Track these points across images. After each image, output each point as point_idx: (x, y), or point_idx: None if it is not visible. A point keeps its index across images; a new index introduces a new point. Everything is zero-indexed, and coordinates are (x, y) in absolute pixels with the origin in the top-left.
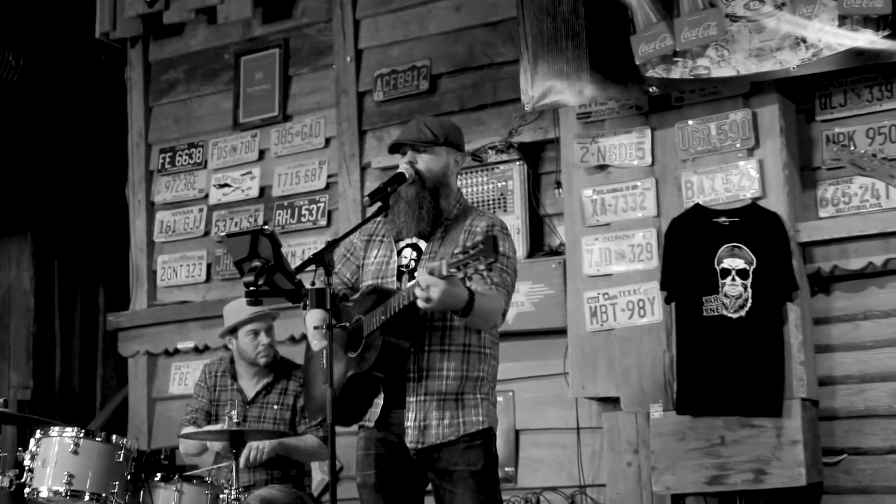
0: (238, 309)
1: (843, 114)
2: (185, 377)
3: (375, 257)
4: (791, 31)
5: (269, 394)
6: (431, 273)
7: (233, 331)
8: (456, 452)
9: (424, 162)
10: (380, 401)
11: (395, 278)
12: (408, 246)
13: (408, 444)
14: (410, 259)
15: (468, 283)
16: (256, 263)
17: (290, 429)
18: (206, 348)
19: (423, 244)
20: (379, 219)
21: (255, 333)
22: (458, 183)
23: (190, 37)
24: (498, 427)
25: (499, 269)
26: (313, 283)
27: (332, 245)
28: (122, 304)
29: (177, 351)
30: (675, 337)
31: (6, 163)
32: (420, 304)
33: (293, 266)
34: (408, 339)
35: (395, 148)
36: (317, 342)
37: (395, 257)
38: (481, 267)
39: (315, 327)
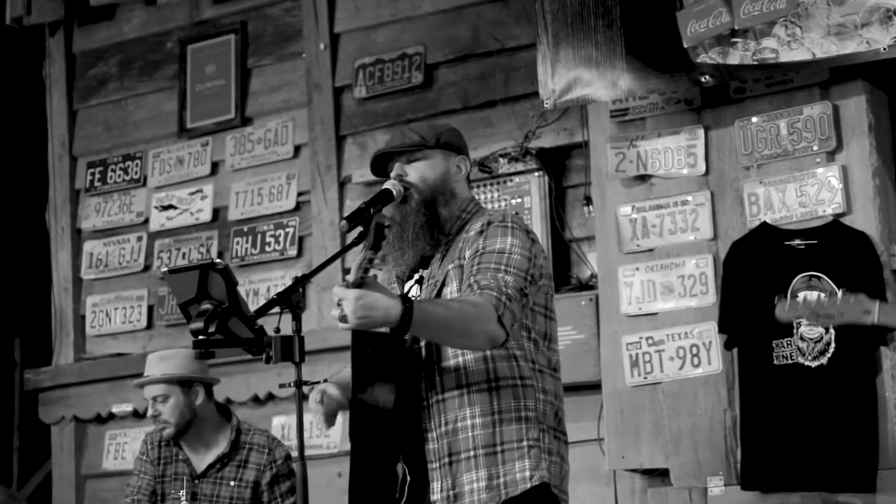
0: (147, 366)
1: None
2: (121, 449)
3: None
4: (881, 1)
5: (225, 467)
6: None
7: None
8: None
9: (417, 171)
10: (404, 477)
11: None
12: (415, 283)
13: None
14: (416, 297)
15: (446, 287)
16: (207, 306)
17: None
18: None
19: (425, 272)
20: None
21: (147, 403)
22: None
23: (123, 21)
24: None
25: (489, 269)
26: (278, 330)
27: (301, 281)
28: (42, 358)
29: (111, 416)
30: (739, 392)
31: None
32: (340, 326)
33: (253, 308)
34: (386, 386)
35: (380, 167)
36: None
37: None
38: (365, 260)
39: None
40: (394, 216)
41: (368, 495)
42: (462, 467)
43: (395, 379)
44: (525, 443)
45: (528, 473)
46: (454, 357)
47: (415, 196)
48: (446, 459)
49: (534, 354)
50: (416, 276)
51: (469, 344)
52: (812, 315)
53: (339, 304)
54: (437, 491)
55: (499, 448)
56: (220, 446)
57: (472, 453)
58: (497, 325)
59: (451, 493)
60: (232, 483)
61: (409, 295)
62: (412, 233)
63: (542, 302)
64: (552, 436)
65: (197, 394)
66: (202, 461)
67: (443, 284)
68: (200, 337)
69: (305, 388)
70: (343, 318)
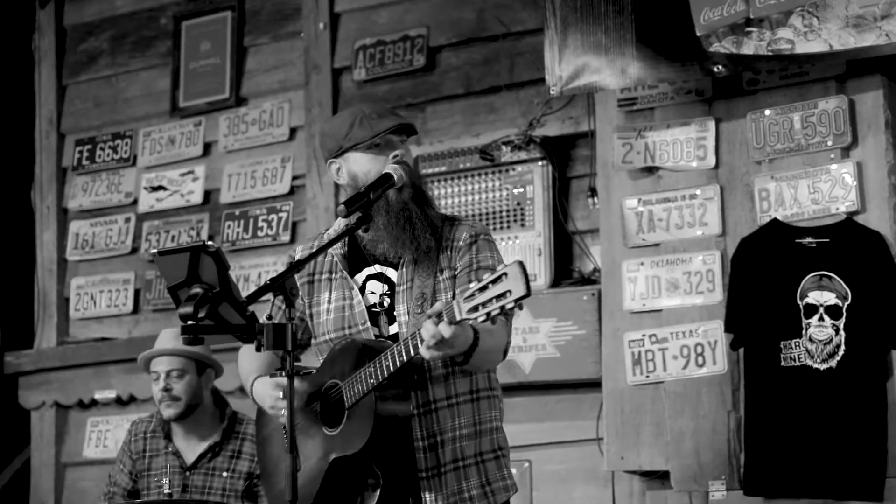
0: (161, 339)
1: None
2: (103, 436)
3: (330, 302)
4: None
5: (217, 457)
6: (440, 317)
7: (147, 368)
8: None
9: (409, 156)
10: (375, 481)
11: (368, 324)
12: (370, 278)
13: None
14: (382, 294)
15: (440, 294)
16: (197, 290)
17: (243, 502)
18: (133, 399)
19: (391, 272)
20: (314, 249)
21: (157, 377)
22: (467, 188)
23: None
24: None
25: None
26: (270, 317)
27: (295, 267)
28: (23, 341)
29: (94, 402)
30: (744, 393)
31: None
32: (427, 354)
33: (245, 294)
34: (406, 399)
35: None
36: (271, 406)
37: (359, 297)
38: (510, 307)
39: (258, 377)
40: (397, 200)
41: (338, 491)
42: (452, 477)
43: (407, 391)
44: (499, 451)
45: (508, 482)
46: (444, 367)
47: (409, 183)
48: (438, 470)
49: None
50: (372, 271)
51: (482, 369)
52: None
53: (435, 342)
54: (430, 501)
55: (479, 458)
56: (214, 436)
57: (460, 463)
58: (503, 355)
59: (447, 501)
60: (224, 474)
61: (367, 290)
62: (415, 229)
63: None
64: (507, 441)
65: (209, 379)
66: (193, 452)
67: (434, 293)
68: (189, 322)
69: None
70: (438, 351)
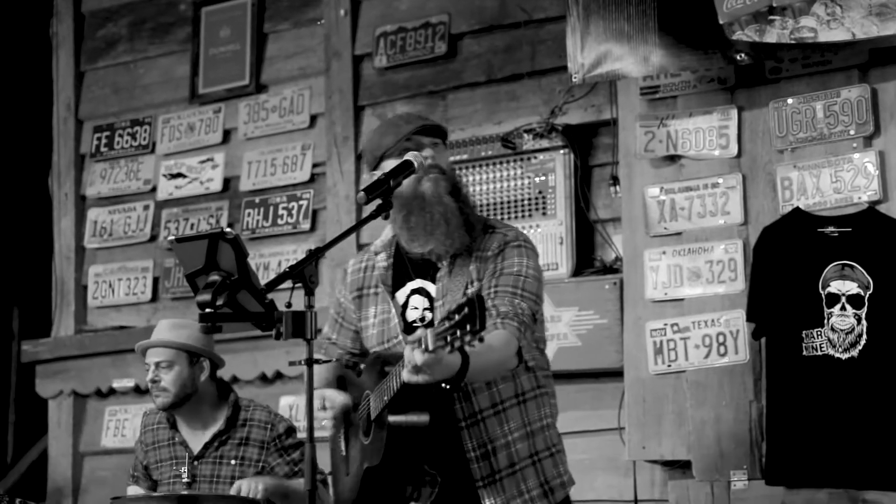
0: (157, 329)
1: None
2: (121, 425)
3: (375, 316)
4: None
5: (224, 445)
6: (418, 345)
7: (145, 358)
8: None
9: (442, 158)
10: (430, 490)
11: (399, 337)
12: (414, 293)
13: None
14: (424, 309)
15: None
16: (215, 277)
17: None
18: None
19: (430, 287)
20: (364, 263)
21: (147, 367)
22: (489, 176)
23: None
24: None
25: (507, 294)
26: (289, 305)
27: (315, 254)
28: (41, 329)
29: (112, 391)
30: (766, 383)
31: None
32: (407, 377)
33: (264, 281)
34: (424, 407)
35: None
36: (328, 419)
37: (394, 311)
38: (468, 339)
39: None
40: (430, 195)
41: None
42: (509, 482)
43: (427, 402)
44: (553, 449)
45: (565, 478)
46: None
47: (445, 181)
48: (495, 477)
49: (541, 361)
50: (414, 286)
51: (494, 378)
52: None
53: (413, 370)
54: None
55: (535, 458)
56: (218, 424)
57: (517, 467)
58: (516, 357)
59: None
60: (233, 462)
61: (410, 305)
62: (455, 221)
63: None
64: (560, 436)
65: (203, 369)
66: (199, 441)
67: None
68: (207, 310)
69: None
70: (420, 378)
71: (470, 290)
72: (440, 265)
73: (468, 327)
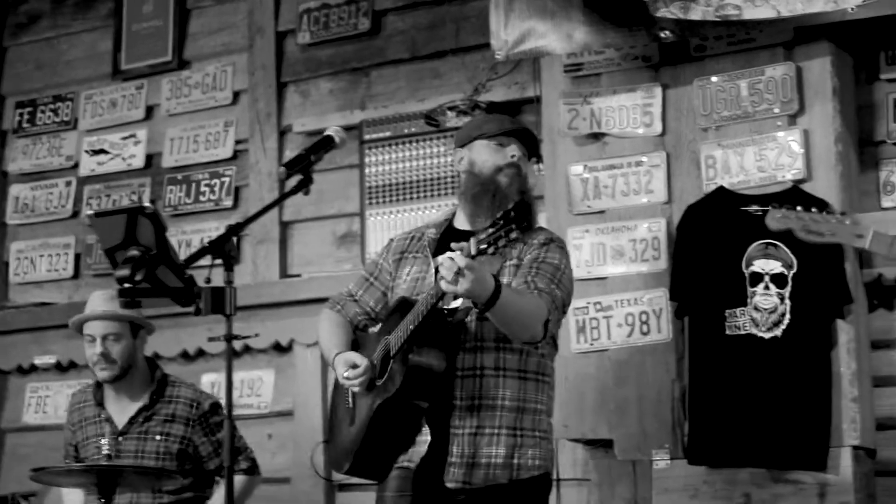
0: (93, 301)
1: None
2: (43, 402)
3: (408, 274)
4: None
5: (149, 421)
6: (461, 251)
7: (80, 331)
8: (502, 501)
9: (525, 165)
10: (425, 437)
11: None
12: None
13: (448, 485)
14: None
15: (503, 278)
16: (134, 252)
17: (179, 467)
18: (73, 365)
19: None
20: (413, 234)
21: (91, 339)
22: (412, 153)
23: None
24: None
25: (546, 276)
26: (209, 281)
27: (235, 229)
28: None
29: (34, 368)
30: (689, 362)
31: None
32: (445, 286)
33: (184, 257)
34: (442, 351)
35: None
36: (341, 378)
37: (432, 272)
38: (513, 235)
39: (337, 354)
40: (504, 188)
41: (380, 452)
42: (485, 441)
43: (446, 348)
44: (538, 433)
45: (538, 462)
46: (496, 341)
47: (518, 181)
48: (472, 429)
49: (551, 354)
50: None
51: (518, 335)
52: (803, 229)
53: (453, 271)
54: (455, 455)
55: (518, 433)
56: (143, 399)
57: (496, 431)
58: (542, 328)
59: (470, 460)
60: (158, 437)
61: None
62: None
63: None
64: (552, 428)
65: (144, 341)
66: (124, 415)
67: (497, 276)
68: (126, 285)
69: (236, 343)
70: (456, 282)
71: (508, 264)
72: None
73: (514, 225)
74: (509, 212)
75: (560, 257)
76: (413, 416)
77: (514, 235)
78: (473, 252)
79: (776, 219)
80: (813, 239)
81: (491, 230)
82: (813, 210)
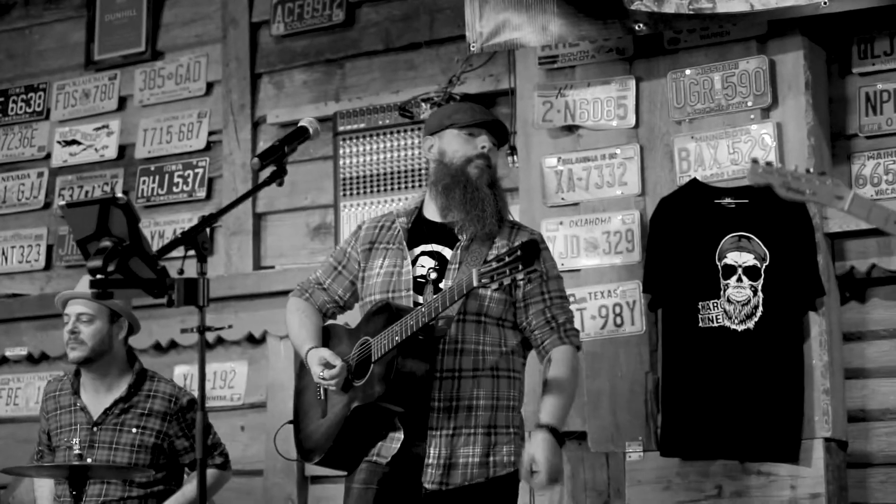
0: (81, 283)
1: (889, 65)
2: (14, 394)
3: (381, 267)
4: None
5: (126, 413)
6: (460, 283)
7: (64, 310)
8: (480, 499)
9: (494, 156)
10: (398, 435)
11: (410, 291)
12: (424, 254)
13: (426, 485)
14: (430, 269)
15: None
16: (106, 243)
17: (153, 460)
18: (44, 357)
19: (447, 252)
20: (381, 223)
21: (67, 319)
22: (386, 145)
23: None
24: None
25: (558, 301)
26: (181, 272)
27: (208, 220)
28: None
29: (4, 360)
30: (662, 354)
31: None
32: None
33: (157, 248)
34: (427, 362)
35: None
36: (316, 376)
37: (409, 266)
38: (520, 277)
39: (310, 349)
40: (475, 178)
41: (351, 447)
42: (461, 441)
43: (430, 358)
44: (511, 429)
45: (512, 458)
46: (475, 343)
47: (487, 173)
48: (449, 431)
49: (521, 351)
50: (427, 248)
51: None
52: (783, 186)
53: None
54: (433, 456)
55: (493, 431)
56: (120, 390)
57: (472, 430)
58: (580, 363)
59: (447, 461)
60: (134, 430)
61: (418, 263)
62: (491, 210)
63: None
64: (524, 422)
65: (121, 329)
66: (100, 405)
67: None
68: (98, 276)
69: (209, 335)
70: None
71: (489, 257)
72: (461, 237)
73: (520, 267)
74: (516, 250)
75: (553, 263)
76: (388, 418)
77: (519, 276)
78: (475, 284)
79: (757, 173)
80: (792, 196)
81: (495, 264)
82: (795, 166)
